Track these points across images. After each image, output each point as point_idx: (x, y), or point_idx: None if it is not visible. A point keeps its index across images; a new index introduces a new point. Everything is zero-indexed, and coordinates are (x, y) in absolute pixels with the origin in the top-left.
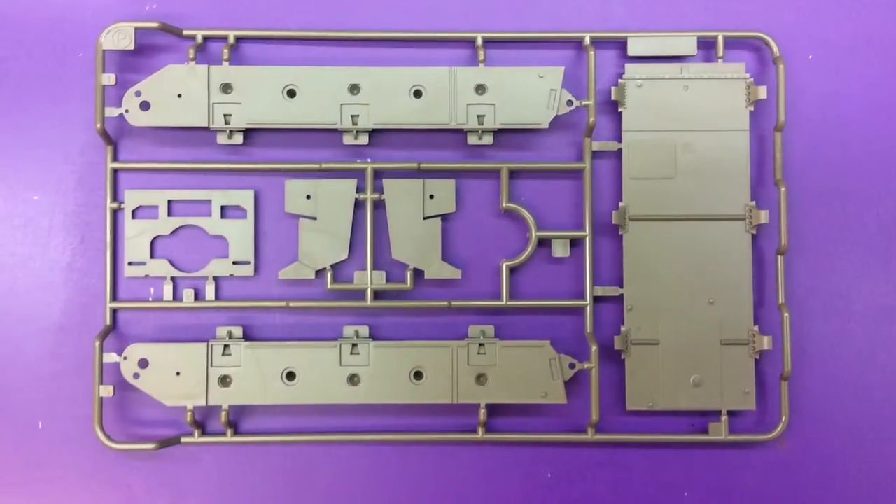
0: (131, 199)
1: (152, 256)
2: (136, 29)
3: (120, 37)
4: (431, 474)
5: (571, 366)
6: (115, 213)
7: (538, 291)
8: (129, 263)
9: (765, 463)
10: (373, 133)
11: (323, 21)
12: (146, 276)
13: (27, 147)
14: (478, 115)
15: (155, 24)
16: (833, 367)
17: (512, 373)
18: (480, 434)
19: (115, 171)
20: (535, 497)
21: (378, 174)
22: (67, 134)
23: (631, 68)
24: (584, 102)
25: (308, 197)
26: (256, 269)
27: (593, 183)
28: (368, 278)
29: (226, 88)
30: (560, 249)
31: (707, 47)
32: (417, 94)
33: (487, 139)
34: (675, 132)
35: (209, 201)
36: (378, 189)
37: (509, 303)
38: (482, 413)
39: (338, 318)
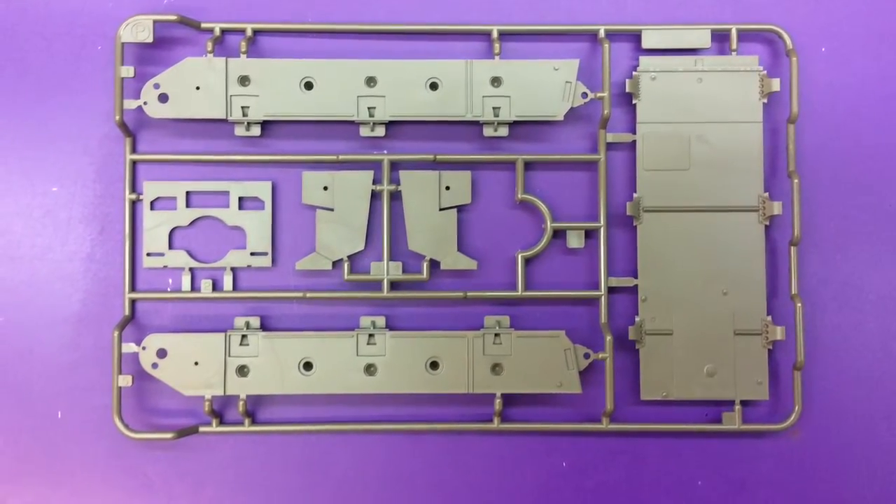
0: (150, 190)
1: (171, 247)
2: (155, 22)
3: (138, 30)
4: (447, 464)
5: (586, 356)
6: (134, 205)
7: (553, 282)
8: (148, 254)
9: (778, 452)
10: (389, 125)
11: (340, 14)
12: (164, 266)
13: (46, 139)
14: (493, 108)
15: (173, 17)
16: (845, 357)
17: (527, 363)
18: (496, 424)
19: (134, 163)
20: (550, 486)
21: (394, 166)
22: (86, 126)
23: (645, 61)
24: (598, 95)
25: (325, 188)
26: (274, 260)
27: (608, 174)
28: (385, 269)
29: (243, 81)
30: (575, 240)
31: (721, 40)
32: (433, 86)
33: (503, 131)
34: (688, 124)
35: (227, 193)
36: (394, 181)
37: (524, 293)
38: (498, 403)
39: (354, 308)
